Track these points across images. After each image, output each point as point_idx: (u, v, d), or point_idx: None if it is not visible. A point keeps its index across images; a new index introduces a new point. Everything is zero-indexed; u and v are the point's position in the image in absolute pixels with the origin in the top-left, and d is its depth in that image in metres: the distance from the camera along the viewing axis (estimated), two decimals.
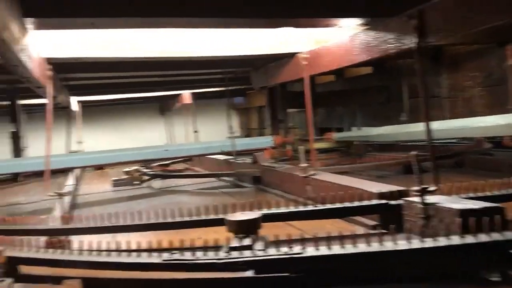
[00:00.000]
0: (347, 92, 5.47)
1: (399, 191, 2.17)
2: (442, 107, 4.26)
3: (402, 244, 1.58)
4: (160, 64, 3.45)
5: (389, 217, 2.03)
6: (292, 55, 3.32)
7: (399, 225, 1.94)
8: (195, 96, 6.68)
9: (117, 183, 4.93)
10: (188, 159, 6.01)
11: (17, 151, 4.50)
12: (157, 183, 4.96)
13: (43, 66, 2.61)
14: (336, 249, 1.60)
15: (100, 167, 7.19)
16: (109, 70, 3.59)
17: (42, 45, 2.47)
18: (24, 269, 1.91)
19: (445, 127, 3.35)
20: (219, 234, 1.76)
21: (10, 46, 1.59)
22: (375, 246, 1.59)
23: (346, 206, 2.07)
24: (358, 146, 4.90)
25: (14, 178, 4.85)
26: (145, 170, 5.06)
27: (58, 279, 1.78)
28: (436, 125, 3.47)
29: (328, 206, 2.09)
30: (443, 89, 4.28)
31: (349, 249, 1.59)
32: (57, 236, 2.24)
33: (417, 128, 3.47)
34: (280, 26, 2.80)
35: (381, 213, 2.11)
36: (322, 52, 2.97)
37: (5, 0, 1.54)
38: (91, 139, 7.20)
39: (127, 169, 5.13)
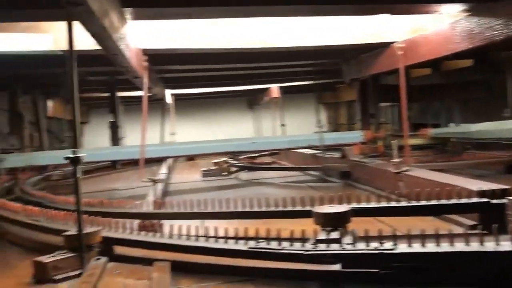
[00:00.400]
0: (445, 86, 5.16)
1: (502, 189, 1.99)
2: None
3: (506, 245, 1.44)
4: (250, 56, 3.46)
5: (490, 217, 1.87)
6: (386, 45, 3.18)
7: (501, 225, 1.77)
8: (283, 90, 6.66)
9: (206, 174, 5.05)
10: (274, 152, 6.02)
11: (115, 140, 4.75)
12: (244, 175, 5.02)
13: (140, 57, 2.72)
14: (431, 247, 1.50)
15: (191, 158, 7.43)
16: (201, 63, 3.67)
17: (139, 36, 2.57)
18: (119, 250, 2.00)
19: None
20: (306, 226, 1.71)
21: (110, 34, 1.66)
22: (474, 246, 1.47)
23: (442, 203, 1.94)
24: (456, 143, 4.62)
25: (113, 166, 5.13)
26: (233, 162, 5.14)
27: (149, 261, 1.85)
28: None
29: (423, 202, 1.97)
30: None
31: (445, 247, 1.48)
32: (149, 220, 2.33)
33: None
34: (374, 13, 2.68)
35: (481, 212, 1.95)
36: (419, 41, 2.81)
37: None
38: (183, 131, 7.44)
39: (216, 160, 5.25)
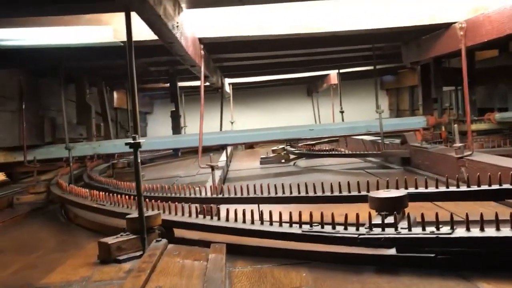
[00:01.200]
0: None
1: None
2: None
3: None
4: (308, 41, 3.43)
5: None
6: (447, 26, 3.05)
7: None
8: (342, 76, 6.57)
9: (264, 161, 5.11)
10: (333, 139, 5.97)
11: (177, 128, 4.89)
12: (302, 162, 5.02)
13: (197, 45, 2.78)
14: (490, 232, 1.45)
15: (250, 146, 7.52)
16: (257, 50, 3.67)
17: (196, 24, 2.62)
18: (178, 233, 2.08)
19: None
20: (362, 211, 1.70)
21: (165, 22, 1.71)
22: None
23: (504, 188, 1.85)
24: None
25: (175, 154, 5.29)
26: (291, 149, 5.15)
27: (206, 243, 1.91)
28: None
29: (484, 187, 1.89)
30: None
31: (505, 232, 1.43)
32: (207, 204, 2.40)
33: None
34: None
35: None
36: (482, 20, 2.67)
37: None
38: (242, 119, 7.52)
39: (274, 148, 5.29)
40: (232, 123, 6.57)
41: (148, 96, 8.57)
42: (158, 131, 8.57)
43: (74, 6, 2.12)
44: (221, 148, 5.53)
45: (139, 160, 1.81)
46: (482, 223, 1.47)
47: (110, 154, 4.80)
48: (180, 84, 5.42)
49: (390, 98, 9.12)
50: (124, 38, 2.74)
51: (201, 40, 2.84)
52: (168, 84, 5.21)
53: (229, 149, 5.73)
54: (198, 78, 5.86)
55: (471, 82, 4.63)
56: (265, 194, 2.30)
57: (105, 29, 2.59)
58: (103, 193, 2.56)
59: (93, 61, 3.91)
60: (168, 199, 2.42)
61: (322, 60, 5.20)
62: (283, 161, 5.06)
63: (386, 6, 2.98)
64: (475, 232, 1.47)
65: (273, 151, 5.24)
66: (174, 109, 4.98)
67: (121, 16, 2.81)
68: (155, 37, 2.69)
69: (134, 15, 1.93)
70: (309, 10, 2.88)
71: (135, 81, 1.82)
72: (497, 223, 1.46)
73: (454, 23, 2.94)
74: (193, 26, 2.56)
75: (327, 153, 4.70)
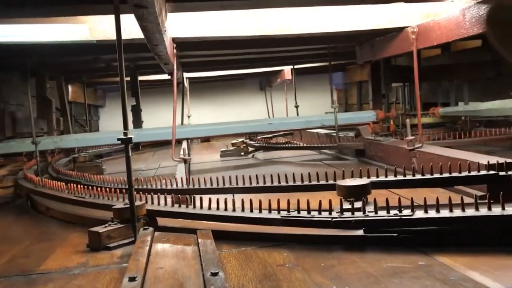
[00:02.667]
0: (455, 66, 5.31)
1: (508, 162, 2.18)
2: None
3: (510, 210, 1.65)
4: (265, 42, 3.62)
5: (498, 189, 2.05)
6: (400, 30, 3.34)
7: (509, 196, 1.97)
8: (296, 71, 6.82)
9: (224, 154, 5.27)
10: (289, 133, 6.21)
11: (138, 123, 4.96)
12: (260, 155, 5.23)
13: (171, 45, 2.91)
14: (445, 213, 1.70)
15: (206, 140, 7.65)
16: (225, 48, 3.83)
17: (170, 25, 2.75)
18: (159, 222, 2.22)
19: None
20: (329, 198, 1.91)
21: (161, 29, 1.85)
22: (483, 211, 1.67)
23: (454, 176, 2.13)
24: (465, 121, 4.80)
25: (136, 148, 5.35)
26: (250, 142, 5.34)
27: (190, 230, 2.07)
28: None
29: (436, 175, 2.17)
30: None
31: (457, 213, 1.69)
32: (184, 195, 2.55)
33: None
34: (390, 2, 2.85)
35: (489, 183, 2.14)
36: (432, 26, 2.97)
37: None
38: (197, 114, 7.63)
39: (234, 141, 5.46)
40: (189, 117, 6.69)
41: (101, 89, 8.51)
42: (110, 125, 8.52)
43: (71, 8, 2.20)
44: (178, 142, 5.65)
45: (130, 154, 1.94)
46: (437, 206, 1.73)
47: (70, 148, 4.83)
48: (140, 78, 5.48)
49: (339, 93, 9.49)
50: (99, 37, 2.86)
51: (174, 40, 2.98)
52: (128, 78, 5.26)
53: (186, 142, 5.85)
54: (155, 73, 5.94)
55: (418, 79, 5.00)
56: (240, 185, 2.48)
57: (81, 28, 2.67)
58: (81, 186, 2.65)
59: (59, 56, 3.93)
60: (145, 191, 2.55)
61: (278, 57, 5.42)
62: (242, 153, 5.24)
63: (346, 12, 3.22)
64: (432, 213, 1.72)
65: (233, 144, 5.42)
66: (134, 104, 5.05)
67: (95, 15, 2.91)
68: (128, 37, 2.82)
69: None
70: (277, 14, 3.07)
71: (124, 79, 1.94)
72: (450, 206, 1.72)
73: (407, 27, 3.22)
74: (169, 27, 2.69)
75: (286, 145, 4.92)
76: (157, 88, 8.39)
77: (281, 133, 6.17)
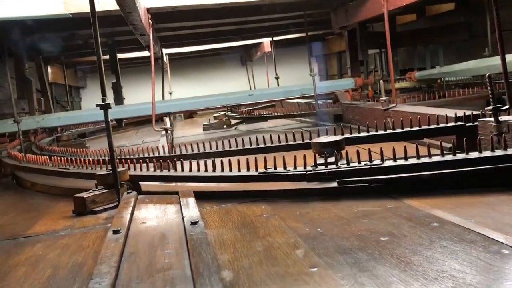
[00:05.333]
0: (429, 31, 5.40)
1: (474, 114, 2.28)
2: None
3: (474, 154, 1.75)
4: (239, 10, 3.63)
5: (465, 138, 2.15)
6: None
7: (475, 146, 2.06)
8: (275, 44, 6.86)
9: (207, 127, 5.33)
10: (270, 105, 6.28)
11: (119, 99, 4.99)
12: (243, 127, 5.30)
13: (146, 15, 2.94)
14: (413, 161, 1.80)
15: (190, 116, 7.70)
16: (199, 19, 3.86)
17: None
18: (143, 188, 2.29)
19: None
20: (306, 157, 1.99)
21: None
22: (448, 157, 1.77)
23: (423, 128, 2.23)
24: (441, 84, 4.90)
25: (119, 125, 5.39)
26: (232, 115, 5.40)
27: (173, 193, 2.15)
28: None
29: (407, 129, 2.26)
30: None
31: (424, 159, 1.78)
32: (166, 160, 2.62)
33: (498, 61, 3.45)
34: None
35: (458, 134, 2.23)
36: None
37: None
38: (179, 90, 7.66)
39: (216, 115, 5.52)
40: (170, 93, 6.72)
41: (81, 70, 8.46)
42: (92, 106, 8.50)
43: None
44: (160, 119, 5.69)
45: (109, 120, 2.00)
46: (405, 155, 1.83)
47: (52, 127, 4.85)
48: (119, 55, 5.48)
49: (320, 64, 9.55)
50: (74, 10, 2.87)
51: (148, 10, 3.00)
52: (107, 56, 5.26)
53: (170, 119, 5.89)
54: (134, 50, 5.93)
55: (393, 44, 5.06)
56: (220, 149, 2.56)
57: (55, 1, 2.68)
58: (64, 158, 2.70)
59: (36, 34, 3.92)
60: (128, 160, 2.61)
61: (256, 28, 5.45)
62: (225, 126, 5.30)
63: None
64: (401, 162, 1.81)
65: (215, 117, 5.47)
66: (115, 81, 5.06)
67: None
68: (102, 9, 2.83)
69: None
70: None
71: (100, 49, 1.98)
72: (417, 154, 1.81)
73: None
74: None
75: (267, 115, 4.99)
76: (139, 66, 8.37)
77: (263, 105, 6.24)
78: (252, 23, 4.85)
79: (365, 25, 4.88)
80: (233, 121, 5.39)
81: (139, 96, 6.71)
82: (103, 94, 1.99)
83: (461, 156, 1.76)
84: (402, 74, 5.33)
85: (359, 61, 5.15)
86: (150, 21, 3.05)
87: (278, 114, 4.89)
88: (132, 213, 1.79)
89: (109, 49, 4.94)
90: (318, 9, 4.40)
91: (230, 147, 2.55)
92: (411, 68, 5.65)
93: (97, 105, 1.96)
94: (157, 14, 3.26)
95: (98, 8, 2.70)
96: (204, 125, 5.40)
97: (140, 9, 2.40)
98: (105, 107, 1.94)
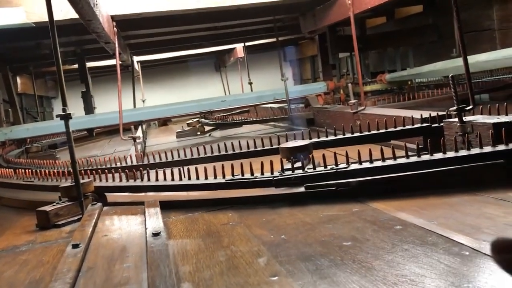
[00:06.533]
0: (399, 33, 5.46)
1: (439, 115, 2.30)
2: (494, 40, 4.22)
3: (438, 155, 1.75)
4: (214, 15, 3.61)
5: (432, 141, 2.16)
6: None
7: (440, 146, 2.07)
8: (248, 50, 6.85)
9: (180, 134, 5.28)
10: (244, 111, 6.27)
11: (89, 108, 4.91)
12: (217, 133, 5.27)
13: (110, 23, 2.89)
14: (378, 163, 1.80)
15: (164, 123, 7.63)
16: (166, 26, 3.81)
17: (108, 3, 2.74)
18: (110, 198, 2.25)
19: (494, 57, 3.37)
20: (274, 163, 1.97)
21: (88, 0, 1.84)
22: (413, 159, 1.77)
23: (390, 130, 2.24)
24: (411, 86, 4.95)
25: (90, 135, 5.29)
26: (205, 121, 5.37)
27: (139, 203, 2.10)
28: (484, 56, 3.50)
29: (373, 132, 2.26)
30: (494, 21, 4.23)
31: (389, 162, 1.78)
32: (133, 170, 2.58)
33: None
34: None
35: (424, 136, 2.25)
36: None
37: None
38: (152, 98, 7.59)
39: (189, 121, 5.47)
40: (143, 101, 6.65)
41: (51, 80, 8.31)
42: None
43: None
44: (134, 127, 5.62)
45: (70, 130, 1.95)
46: (371, 157, 1.82)
47: (21, 139, 4.74)
48: (88, 64, 5.40)
49: (293, 69, 9.58)
50: (37, 19, 2.80)
51: (113, 18, 2.95)
52: (76, 65, 5.17)
53: (143, 126, 5.83)
54: (105, 58, 5.85)
55: (364, 47, 5.13)
56: (188, 157, 2.52)
57: (17, 10, 2.62)
58: (29, 170, 2.64)
59: (2, 44, 3.83)
60: (96, 170, 2.56)
61: (227, 33, 5.43)
62: (198, 133, 5.26)
63: None
64: (366, 165, 1.81)
65: (188, 124, 5.43)
66: (84, 90, 4.98)
67: None
68: (65, 17, 2.78)
69: None
70: None
71: (59, 59, 1.94)
72: (382, 157, 1.81)
73: None
74: (106, 4, 2.67)
75: (240, 121, 4.97)
76: (110, 74, 8.27)
77: (237, 111, 6.21)
78: (223, 28, 4.83)
79: (335, 29, 4.90)
80: (206, 128, 5.36)
81: (111, 105, 6.62)
82: (64, 104, 1.94)
83: (425, 157, 1.77)
84: (373, 77, 5.37)
85: (331, 65, 5.18)
86: (115, 28, 3.00)
87: (251, 119, 4.87)
88: (94, 226, 1.75)
89: (77, 57, 4.86)
90: (287, 13, 4.41)
91: (199, 154, 2.52)
92: (382, 71, 5.70)
93: (57, 116, 1.90)
94: (123, 22, 3.21)
95: (61, 16, 2.67)
96: (177, 132, 5.35)
97: (102, 17, 2.35)
98: (65, 117, 1.89)
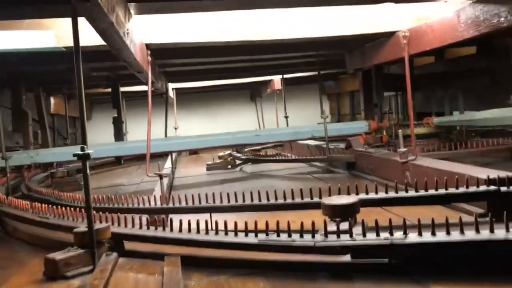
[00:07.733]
0: (448, 74, 5.15)
1: (510, 177, 1.98)
2: None
3: None
4: (256, 48, 3.43)
5: (499, 205, 1.86)
6: (390, 35, 3.16)
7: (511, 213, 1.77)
8: (286, 81, 6.64)
9: (210, 167, 5.07)
10: (278, 144, 6.02)
11: (119, 135, 4.76)
12: (248, 168, 5.03)
13: (144, 51, 2.72)
14: (441, 236, 1.50)
15: (194, 152, 7.44)
16: (203, 56, 3.65)
17: (143, 30, 2.56)
18: (128, 246, 2.01)
19: None
20: (315, 217, 1.71)
21: (117, 29, 1.66)
22: (485, 234, 1.47)
23: (451, 192, 1.93)
24: (460, 131, 4.61)
25: (117, 161, 5.14)
26: (237, 155, 5.14)
27: (159, 256, 1.86)
28: None
29: (431, 192, 1.97)
30: None
31: (455, 236, 1.48)
32: (157, 215, 2.34)
33: None
34: (378, 2, 2.66)
35: (490, 200, 1.94)
36: (424, 29, 2.79)
37: None
38: (185, 125, 7.44)
39: (220, 154, 5.26)
40: (176, 128, 6.49)
41: (87, 101, 8.30)
42: (98, 138, 8.29)
43: (24, 10, 2.01)
44: (165, 154, 5.44)
45: (88, 172, 1.73)
46: (433, 228, 1.52)
47: (48, 163, 4.60)
48: (122, 89, 5.28)
49: (331, 103, 9.32)
50: (67, 44, 2.65)
51: (148, 46, 2.78)
52: (110, 89, 5.06)
53: (173, 155, 5.65)
54: (140, 83, 5.74)
55: (411, 87, 4.83)
56: (217, 203, 2.27)
57: (47, 34, 2.48)
58: (46, 205, 2.43)
59: (32, 66, 3.73)
60: (116, 210, 2.34)
61: (266, 66, 5.24)
62: (229, 166, 5.04)
63: (333, 16, 3.04)
64: (427, 236, 1.51)
65: (219, 157, 5.21)
66: (116, 115, 4.85)
67: (62, 20, 2.70)
68: (99, 43, 2.60)
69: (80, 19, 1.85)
70: (256, 19, 2.88)
71: (82, 89, 1.74)
72: (447, 227, 1.51)
73: (398, 31, 3.04)
74: (141, 32, 2.50)
75: (274, 158, 4.73)
76: (144, 99, 8.17)
77: (270, 144, 5.97)
78: (261, 61, 4.64)
79: (381, 67, 4.64)
80: (238, 161, 5.13)
81: (143, 130, 6.48)
82: (83, 142, 1.73)
83: (500, 233, 1.46)
84: (418, 119, 5.05)
85: (374, 104, 4.90)
86: (149, 57, 2.82)
87: (285, 157, 4.61)
88: (106, 285, 1.51)
89: (111, 82, 4.74)
90: (333, 49, 4.18)
91: (229, 201, 2.26)
92: (427, 112, 5.37)
93: (74, 155, 1.69)
94: (158, 50, 3.04)
95: (94, 42, 2.50)
96: (207, 164, 5.13)
97: (134, 46, 2.17)
98: (83, 157, 1.67)
